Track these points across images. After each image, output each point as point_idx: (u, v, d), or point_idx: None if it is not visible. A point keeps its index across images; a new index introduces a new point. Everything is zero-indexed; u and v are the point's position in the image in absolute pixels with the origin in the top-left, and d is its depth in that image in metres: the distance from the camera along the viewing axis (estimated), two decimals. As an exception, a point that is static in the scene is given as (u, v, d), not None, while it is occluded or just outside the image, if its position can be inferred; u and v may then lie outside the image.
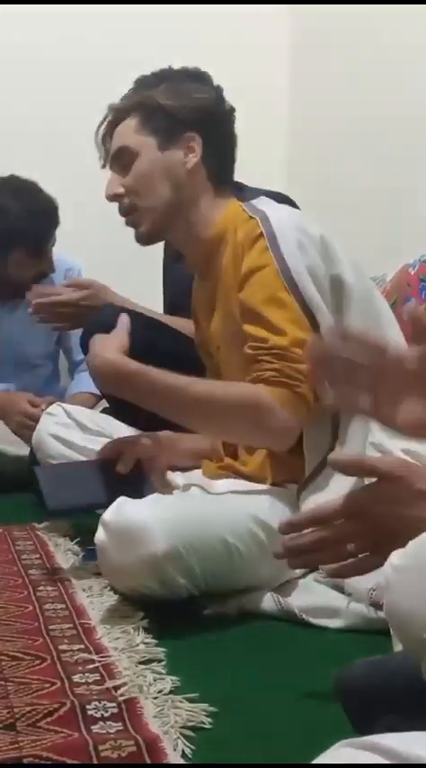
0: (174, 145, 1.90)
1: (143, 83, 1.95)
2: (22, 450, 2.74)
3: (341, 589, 1.64)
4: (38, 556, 2.02)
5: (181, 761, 1.12)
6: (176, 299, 2.57)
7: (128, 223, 1.97)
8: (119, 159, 1.94)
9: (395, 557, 0.93)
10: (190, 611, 1.65)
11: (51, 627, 1.57)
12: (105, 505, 1.70)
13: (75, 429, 2.16)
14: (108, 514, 1.64)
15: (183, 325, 2.38)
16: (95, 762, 1.09)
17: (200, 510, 1.71)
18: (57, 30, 3.46)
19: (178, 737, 1.16)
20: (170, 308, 2.62)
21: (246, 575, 1.69)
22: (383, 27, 3.05)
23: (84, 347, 2.49)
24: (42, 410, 2.76)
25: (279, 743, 1.18)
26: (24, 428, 2.72)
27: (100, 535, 1.65)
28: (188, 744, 1.15)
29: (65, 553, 2.02)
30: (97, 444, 2.09)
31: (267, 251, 1.77)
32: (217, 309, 1.92)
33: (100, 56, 3.45)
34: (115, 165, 1.96)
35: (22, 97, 3.44)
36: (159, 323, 2.37)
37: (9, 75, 3.44)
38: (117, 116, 1.95)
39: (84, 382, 2.91)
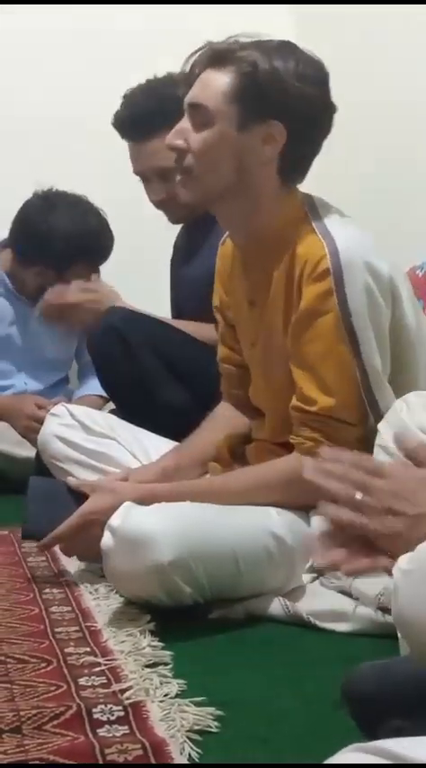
0: (255, 127, 1.71)
1: (260, 45, 1.73)
2: (30, 452, 2.74)
3: (348, 593, 1.64)
4: (44, 558, 2.01)
5: (188, 764, 1.11)
6: (185, 302, 2.57)
7: (178, 182, 1.82)
8: (194, 111, 1.75)
9: (404, 561, 0.93)
10: (197, 614, 1.65)
11: (57, 630, 1.57)
12: None
13: (79, 430, 2.14)
14: (115, 520, 1.63)
15: (193, 329, 2.37)
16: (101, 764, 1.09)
17: (209, 520, 1.69)
18: (56, 30, 3.45)
19: (184, 741, 1.16)
20: (177, 310, 2.61)
21: (252, 584, 1.68)
22: (383, 27, 3.04)
23: (90, 349, 2.49)
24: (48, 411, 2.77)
25: (286, 747, 1.17)
26: (31, 431, 2.72)
27: (106, 540, 1.63)
28: (194, 747, 1.15)
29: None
30: (101, 446, 2.09)
31: (331, 296, 1.68)
32: (259, 307, 1.85)
33: (100, 55, 3.44)
34: (189, 114, 1.77)
35: (23, 97, 3.44)
36: (170, 326, 2.37)
37: (9, 75, 3.44)
38: (213, 58, 1.73)
39: (92, 385, 2.91)
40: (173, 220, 2.53)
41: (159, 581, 1.60)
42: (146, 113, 2.37)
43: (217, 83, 1.72)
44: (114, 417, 2.21)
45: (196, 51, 1.77)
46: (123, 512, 1.64)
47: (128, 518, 1.62)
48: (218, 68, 1.73)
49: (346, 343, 1.70)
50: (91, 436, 2.13)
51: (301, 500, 1.68)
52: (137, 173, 2.46)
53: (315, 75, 1.73)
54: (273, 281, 1.80)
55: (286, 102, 1.70)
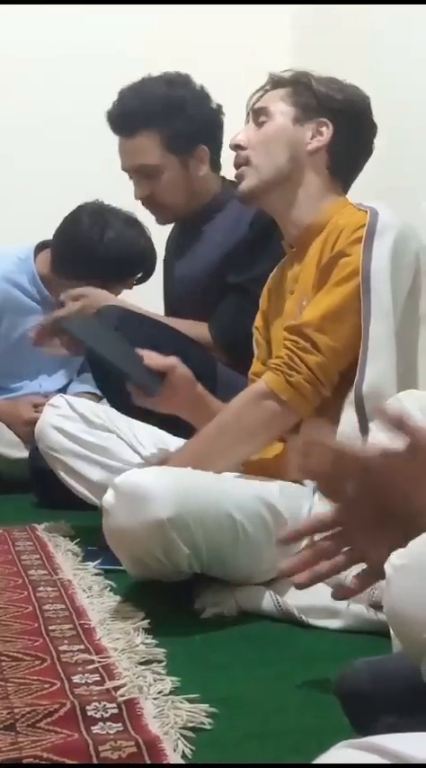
0: (307, 123, 1.96)
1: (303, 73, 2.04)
2: (22, 452, 2.75)
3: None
4: (38, 556, 2.02)
5: (182, 761, 1.12)
6: (178, 300, 2.57)
7: (236, 176, 2.02)
8: (257, 116, 2.00)
9: (395, 557, 0.93)
10: (190, 611, 1.66)
11: (51, 627, 1.57)
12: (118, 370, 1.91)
13: (78, 422, 2.14)
14: (119, 478, 1.67)
15: (186, 327, 2.37)
16: (95, 763, 1.09)
17: (210, 483, 1.72)
18: (56, 29, 3.45)
19: (178, 738, 1.16)
20: (171, 308, 2.61)
21: (249, 556, 1.70)
22: (383, 28, 3.04)
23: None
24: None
25: (279, 743, 1.18)
26: (32, 435, 2.73)
27: (108, 497, 1.66)
28: (188, 744, 1.15)
29: (65, 554, 2.02)
30: (100, 439, 2.10)
31: (359, 244, 1.81)
32: (295, 292, 1.96)
33: (99, 55, 3.44)
34: (252, 120, 2.02)
35: (23, 97, 3.44)
36: (163, 324, 2.37)
37: (9, 74, 3.44)
38: (273, 83, 2.03)
39: (86, 382, 2.90)
40: (160, 221, 2.54)
41: (158, 537, 1.61)
42: (130, 111, 2.41)
43: (277, 94, 2.01)
44: (114, 411, 2.20)
45: (257, 90, 2.05)
46: (127, 473, 1.69)
47: (131, 477, 1.66)
48: (280, 87, 2.02)
49: (359, 294, 1.79)
50: (91, 429, 2.12)
51: (266, 421, 1.82)
52: (123, 169, 2.48)
53: (356, 90, 2.02)
54: (309, 251, 1.92)
55: (334, 105, 1.96)
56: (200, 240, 2.51)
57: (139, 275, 2.86)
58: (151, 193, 2.44)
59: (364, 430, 1.74)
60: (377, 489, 1.05)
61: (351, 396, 1.78)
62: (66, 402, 2.19)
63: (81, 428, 2.13)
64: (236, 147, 2.00)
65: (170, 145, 2.42)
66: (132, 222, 2.79)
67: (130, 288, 2.83)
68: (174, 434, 2.11)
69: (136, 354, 1.95)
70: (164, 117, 2.40)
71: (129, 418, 2.15)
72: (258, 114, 2.00)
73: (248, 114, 2.04)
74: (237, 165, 2.00)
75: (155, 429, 2.14)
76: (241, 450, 1.87)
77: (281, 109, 1.98)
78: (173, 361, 1.96)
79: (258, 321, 2.12)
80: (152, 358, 1.96)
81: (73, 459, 2.11)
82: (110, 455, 2.08)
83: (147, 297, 2.64)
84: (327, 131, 1.96)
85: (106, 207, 2.82)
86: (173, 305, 2.60)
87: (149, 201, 2.47)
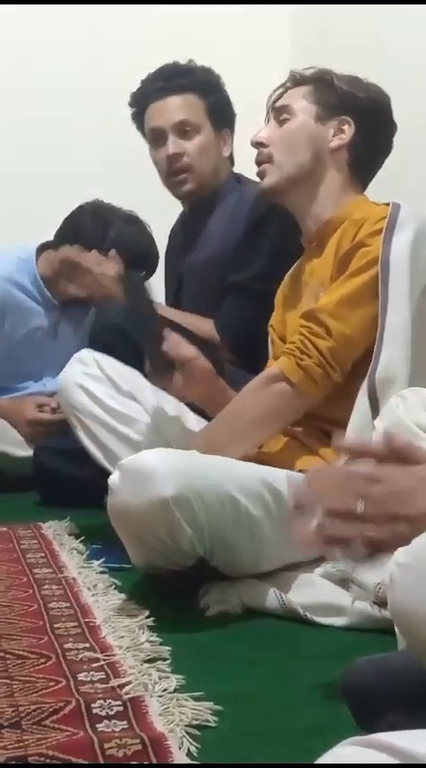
0: (330, 121, 1.99)
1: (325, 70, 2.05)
2: (26, 451, 2.75)
3: (348, 583, 1.64)
4: (42, 554, 2.02)
5: (187, 759, 1.12)
6: (188, 286, 2.57)
7: (258, 174, 2.04)
8: (279, 113, 2.02)
9: (401, 554, 0.93)
10: (195, 609, 1.66)
11: (56, 625, 1.57)
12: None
13: (105, 384, 2.08)
14: (125, 460, 1.70)
15: (190, 321, 2.36)
16: (101, 761, 1.09)
17: (214, 465, 1.73)
18: (57, 29, 3.45)
19: (183, 736, 1.16)
20: (186, 296, 2.60)
21: (251, 539, 1.70)
22: (384, 28, 3.04)
23: (93, 344, 2.48)
24: (52, 408, 2.76)
25: (284, 741, 1.18)
26: (36, 435, 2.74)
27: (114, 477, 1.68)
28: (193, 742, 1.15)
29: (70, 552, 2.02)
30: (125, 407, 2.06)
31: (379, 235, 1.83)
32: (310, 284, 1.98)
33: (100, 55, 3.44)
34: (274, 117, 2.03)
35: (23, 98, 3.43)
36: (171, 321, 2.37)
37: (8, 75, 3.43)
38: (294, 81, 2.05)
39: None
40: (178, 190, 2.53)
41: (161, 516, 1.62)
42: (184, 72, 2.54)
43: (299, 91, 2.02)
44: (141, 377, 2.12)
45: (278, 87, 2.06)
46: (133, 455, 1.71)
47: (136, 457, 1.69)
48: (302, 85, 2.03)
49: (376, 284, 1.81)
50: (118, 394, 2.08)
51: (276, 404, 1.84)
52: (156, 128, 2.52)
53: (377, 89, 2.03)
54: (328, 245, 1.94)
55: (355, 104, 1.98)
56: (206, 230, 2.53)
57: (143, 273, 2.85)
58: (183, 152, 2.47)
59: (375, 416, 1.74)
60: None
61: (365, 383, 1.79)
62: (95, 360, 2.12)
63: (107, 392, 2.07)
64: (258, 144, 2.02)
65: (211, 113, 2.54)
66: (133, 220, 2.79)
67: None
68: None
69: (155, 331, 1.96)
70: (210, 88, 2.55)
71: (156, 389, 2.09)
72: (280, 112, 2.01)
73: (268, 112, 2.05)
74: (259, 163, 2.03)
75: (180, 404, 2.11)
76: (254, 436, 1.88)
77: (303, 106, 2.00)
78: (192, 352, 1.97)
79: (274, 319, 2.12)
80: (176, 344, 1.96)
81: (94, 424, 2.06)
82: (133, 426, 2.03)
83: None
84: (349, 129, 1.98)
85: (106, 205, 2.81)
86: (184, 295, 2.59)
87: (178, 161, 2.48)
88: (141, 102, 2.55)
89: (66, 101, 3.40)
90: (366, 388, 1.79)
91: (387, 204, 1.89)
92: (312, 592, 1.69)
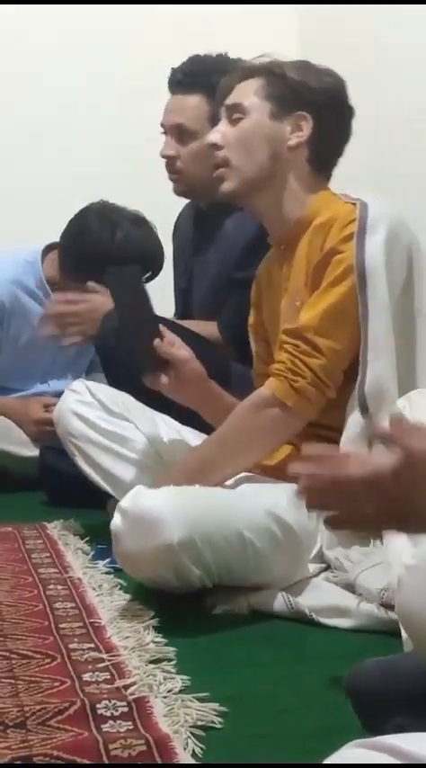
0: (285, 117, 1.89)
1: (283, 58, 1.97)
2: (31, 451, 2.75)
3: (351, 589, 1.64)
4: (48, 555, 2.02)
5: (192, 760, 1.12)
6: (204, 285, 2.56)
7: (215, 177, 1.95)
8: (231, 112, 1.93)
9: (408, 556, 0.93)
10: (201, 610, 1.65)
11: (61, 625, 1.57)
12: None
13: (98, 409, 2.11)
14: (125, 502, 1.66)
15: (195, 327, 2.36)
16: (106, 761, 1.09)
17: (218, 502, 1.72)
18: (56, 29, 3.45)
19: (188, 737, 1.16)
20: (191, 300, 2.60)
21: (260, 570, 1.69)
22: (386, 27, 3.04)
23: (98, 350, 2.48)
24: None
25: (290, 742, 1.17)
26: (43, 435, 2.73)
27: (116, 522, 1.66)
28: (198, 743, 1.15)
29: (75, 552, 2.02)
30: (118, 428, 2.07)
31: (351, 240, 1.79)
32: (288, 290, 1.94)
33: (100, 55, 3.44)
34: (226, 117, 1.95)
35: (23, 99, 3.44)
36: (175, 325, 2.36)
37: (9, 75, 3.44)
38: (243, 74, 1.95)
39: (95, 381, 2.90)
40: (175, 189, 2.53)
41: (168, 561, 1.61)
42: (195, 72, 2.44)
43: (250, 87, 1.92)
44: (130, 398, 2.15)
45: (226, 78, 1.97)
46: (133, 493, 1.67)
47: (138, 499, 1.65)
48: (251, 78, 1.92)
49: (355, 293, 1.78)
50: (110, 416, 2.10)
51: (269, 429, 1.81)
52: (161, 123, 2.49)
53: (331, 75, 1.93)
54: (298, 248, 1.89)
55: (310, 96, 1.88)
56: (220, 231, 2.51)
57: (149, 274, 2.85)
58: (177, 155, 2.45)
59: (369, 427, 1.74)
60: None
61: (356, 392, 1.78)
62: (86, 387, 2.16)
63: (100, 415, 2.10)
64: (213, 146, 1.93)
65: (216, 117, 2.46)
66: (140, 221, 2.78)
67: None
68: (190, 425, 2.10)
69: (149, 331, 1.93)
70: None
71: (147, 408, 2.12)
72: (232, 111, 1.92)
73: (221, 110, 1.96)
74: (216, 166, 1.94)
75: (173, 421, 2.12)
76: (248, 459, 1.87)
77: (256, 104, 1.90)
78: (185, 354, 1.94)
79: (251, 318, 2.09)
80: (170, 343, 1.93)
81: (90, 446, 2.08)
82: (126, 445, 2.06)
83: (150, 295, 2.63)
84: (307, 125, 1.89)
85: (112, 206, 2.81)
86: (194, 292, 2.58)
87: (171, 163, 2.47)
88: (169, 88, 2.53)
89: (66, 101, 3.40)
90: (357, 398, 1.78)
91: (354, 204, 1.84)
92: (318, 594, 1.68)
